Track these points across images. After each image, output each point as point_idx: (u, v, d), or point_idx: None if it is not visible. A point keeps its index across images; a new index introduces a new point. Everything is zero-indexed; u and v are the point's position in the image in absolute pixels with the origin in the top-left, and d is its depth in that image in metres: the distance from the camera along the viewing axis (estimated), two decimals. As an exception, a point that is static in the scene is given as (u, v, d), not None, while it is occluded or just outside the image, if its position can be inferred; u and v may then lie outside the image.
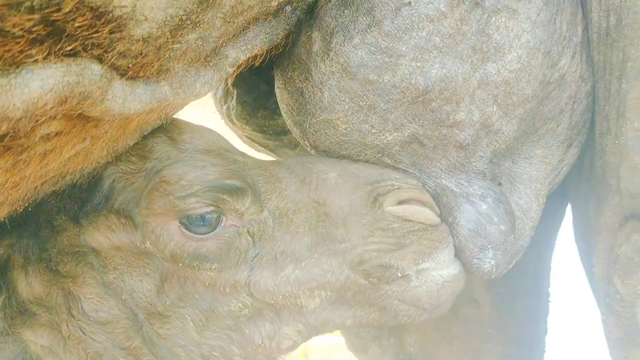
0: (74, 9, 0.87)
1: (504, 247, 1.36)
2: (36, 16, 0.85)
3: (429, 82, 1.29)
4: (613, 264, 1.53)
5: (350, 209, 1.36)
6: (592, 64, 1.55)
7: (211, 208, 1.27)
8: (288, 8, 1.34)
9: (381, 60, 1.28)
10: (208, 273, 1.28)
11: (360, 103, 1.33)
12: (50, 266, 1.26)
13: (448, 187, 1.39)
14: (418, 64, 1.28)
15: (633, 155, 1.43)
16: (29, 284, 1.25)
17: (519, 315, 1.98)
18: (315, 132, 1.41)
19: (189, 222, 1.26)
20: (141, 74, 1.09)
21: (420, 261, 1.35)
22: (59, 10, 0.86)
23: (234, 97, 1.76)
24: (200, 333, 1.30)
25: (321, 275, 1.33)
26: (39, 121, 1.02)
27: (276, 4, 1.27)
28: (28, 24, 0.85)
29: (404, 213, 1.37)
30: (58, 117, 1.05)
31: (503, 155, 1.47)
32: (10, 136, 1.03)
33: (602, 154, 1.55)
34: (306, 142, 1.47)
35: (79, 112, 1.04)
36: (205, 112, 1.91)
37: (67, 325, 1.24)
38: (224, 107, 1.82)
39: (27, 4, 0.84)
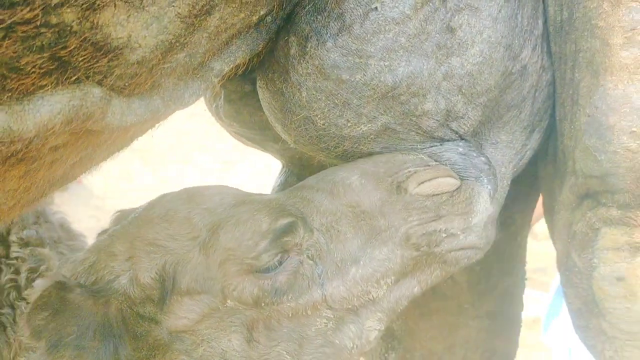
0: (78, 45, 1.04)
1: (492, 172, 1.56)
2: (46, 54, 1.01)
3: (397, 79, 1.45)
4: (571, 240, 1.70)
5: (381, 202, 1.52)
6: (551, 55, 1.71)
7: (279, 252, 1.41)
8: (268, 18, 1.48)
9: (352, 62, 1.44)
10: (288, 304, 1.41)
11: (336, 100, 1.48)
12: None
13: (423, 152, 1.58)
14: (386, 63, 1.44)
15: (585, 139, 1.59)
16: None
17: (494, 292, 2.16)
18: (296, 128, 1.57)
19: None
20: (136, 91, 1.25)
21: (464, 224, 1.55)
22: (65, 48, 1.02)
23: (222, 97, 1.91)
24: None
25: (380, 265, 1.47)
26: (49, 139, 1.19)
27: (257, 17, 1.42)
28: (39, 61, 1.02)
29: (429, 190, 1.53)
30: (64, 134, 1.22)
31: (471, 139, 1.64)
32: (23, 151, 1.20)
33: (561, 139, 1.72)
34: (288, 137, 1.63)
35: (83, 129, 1.21)
36: (197, 108, 2.07)
37: None
38: (213, 106, 1.98)
39: (38, 44, 1.00)
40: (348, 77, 1.45)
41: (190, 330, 1.40)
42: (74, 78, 1.09)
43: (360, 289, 1.46)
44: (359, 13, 1.41)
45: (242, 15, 1.36)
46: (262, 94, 1.64)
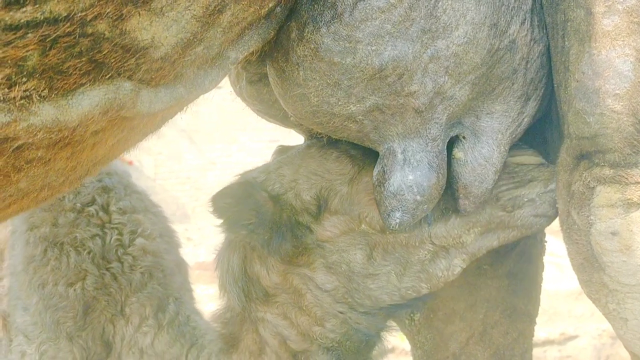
0: (110, 49, 1.34)
1: (413, 212, 1.81)
2: (84, 58, 1.33)
3: (383, 62, 1.69)
4: (570, 199, 1.92)
5: None
6: (544, 26, 1.94)
7: None
8: (277, 9, 1.73)
9: (343, 46, 1.68)
10: (404, 235, 1.97)
11: (328, 80, 1.73)
12: (289, 260, 1.99)
13: (395, 152, 1.81)
14: (373, 48, 1.67)
15: (576, 103, 1.82)
16: (270, 278, 2.01)
17: (512, 253, 2.41)
18: (294, 102, 1.84)
19: None
20: (161, 82, 1.55)
21: (548, 185, 2.00)
22: (100, 52, 1.33)
23: (244, 79, 2.21)
24: (400, 280, 2.01)
25: (472, 217, 2.00)
26: (89, 126, 1.51)
27: (266, 10, 1.68)
28: (79, 64, 1.33)
29: (520, 160, 2.04)
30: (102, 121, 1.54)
31: (465, 114, 1.88)
32: (69, 137, 1.53)
33: (559, 104, 1.95)
34: (288, 110, 1.92)
35: (118, 116, 1.53)
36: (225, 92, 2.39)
37: (306, 296, 2.02)
38: (237, 87, 2.28)
39: (78, 50, 1.31)
40: (339, 59, 1.71)
41: (331, 241, 1.97)
42: (108, 75, 1.40)
43: (455, 233, 1.99)
44: (349, 3, 1.66)
45: (252, 9, 1.63)
46: (269, 71, 1.93)
